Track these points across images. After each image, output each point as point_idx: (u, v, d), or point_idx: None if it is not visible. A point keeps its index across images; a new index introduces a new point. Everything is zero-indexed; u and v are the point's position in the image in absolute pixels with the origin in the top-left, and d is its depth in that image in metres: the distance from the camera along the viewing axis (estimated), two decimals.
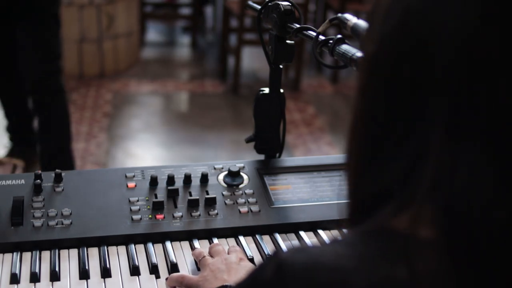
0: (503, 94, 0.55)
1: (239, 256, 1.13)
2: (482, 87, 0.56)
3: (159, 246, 1.21)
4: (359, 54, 1.01)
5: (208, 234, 1.24)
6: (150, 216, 1.25)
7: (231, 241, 1.24)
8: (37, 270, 1.12)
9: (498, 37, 0.55)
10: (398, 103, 0.60)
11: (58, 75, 2.79)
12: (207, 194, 1.31)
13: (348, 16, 1.10)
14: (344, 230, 0.68)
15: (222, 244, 1.20)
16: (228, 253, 1.15)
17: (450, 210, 0.57)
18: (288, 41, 1.35)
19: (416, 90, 0.58)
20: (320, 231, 1.27)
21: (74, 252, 1.18)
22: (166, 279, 1.12)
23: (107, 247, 1.20)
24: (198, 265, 1.14)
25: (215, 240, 1.23)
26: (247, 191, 1.33)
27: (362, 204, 0.65)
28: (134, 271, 1.14)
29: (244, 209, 1.28)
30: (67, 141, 2.88)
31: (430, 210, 0.58)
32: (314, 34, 1.19)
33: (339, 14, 1.13)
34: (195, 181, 1.34)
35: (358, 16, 1.09)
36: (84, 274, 1.13)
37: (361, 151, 0.64)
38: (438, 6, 0.57)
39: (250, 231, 1.26)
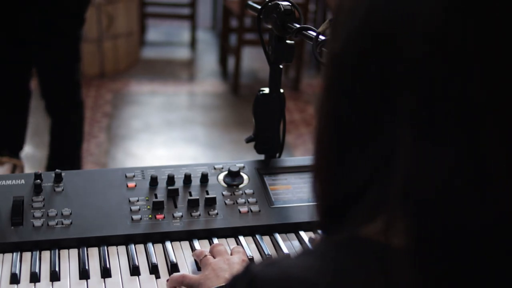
0: (473, 88, 0.53)
1: (242, 257, 1.13)
2: (451, 81, 0.54)
3: (159, 246, 1.21)
4: None
5: (208, 234, 1.24)
6: (150, 216, 1.25)
7: (231, 241, 1.24)
8: (37, 270, 1.12)
9: (464, 29, 0.53)
10: (364, 101, 0.58)
11: (78, 90, 2.80)
12: (207, 194, 1.31)
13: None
14: (317, 237, 0.67)
15: (223, 244, 1.20)
16: (231, 254, 1.15)
17: (422, 215, 0.55)
18: (288, 41, 1.35)
19: (383, 87, 0.56)
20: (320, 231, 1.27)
21: (74, 252, 1.18)
22: (167, 280, 1.12)
23: (107, 247, 1.20)
24: (199, 264, 1.14)
25: (215, 240, 1.23)
26: (247, 191, 1.33)
27: (331, 209, 0.63)
28: (134, 271, 1.14)
29: (244, 209, 1.28)
30: (78, 150, 2.89)
31: (402, 216, 0.55)
32: (314, 34, 1.19)
33: None
34: (195, 181, 1.34)
35: None
36: (84, 274, 1.13)
37: (328, 153, 0.62)
38: (403, 1, 0.55)
39: (250, 231, 1.26)
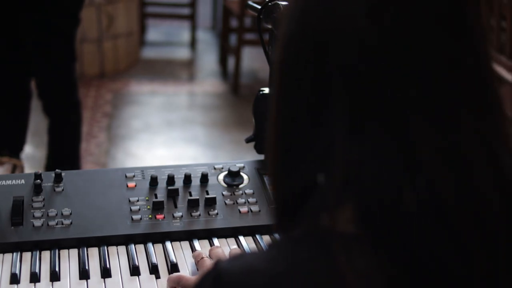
0: (396, 85, 0.59)
1: None
2: (377, 79, 0.59)
3: (159, 246, 1.21)
4: None
5: (208, 234, 1.24)
6: (150, 216, 1.25)
7: (231, 241, 1.24)
8: (37, 270, 1.12)
9: (386, 28, 0.59)
10: (303, 104, 0.63)
11: (75, 89, 2.80)
12: (207, 194, 1.31)
13: None
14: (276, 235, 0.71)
15: (223, 246, 1.20)
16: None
17: (364, 202, 0.60)
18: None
19: (319, 88, 0.62)
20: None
21: (74, 252, 1.18)
22: (168, 280, 1.12)
23: (107, 247, 1.20)
24: (197, 266, 1.14)
25: (215, 240, 1.23)
26: (247, 191, 1.33)
27: (285, 206, 0.68)
28: (134, 271, 1.14)
29: (244, 209, 1.28)
30: (77, 150, 2.89)
31: (348, 205, 0.60)
32: None
33: None
34: (195, 181, 1.34)
35: None
36: (84, 274, 1.13)
37: (275, 154, 0.67)
38: (330, 7, 0.61)
39: (250, 231, 1.26)
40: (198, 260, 1.14)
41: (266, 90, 1.42)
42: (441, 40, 0.60)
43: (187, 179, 1.33)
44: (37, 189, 1.27)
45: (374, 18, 0.59)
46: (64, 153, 2.89)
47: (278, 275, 0.60)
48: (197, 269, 1.14)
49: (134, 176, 1.34)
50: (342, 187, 0.60)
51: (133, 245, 1.20)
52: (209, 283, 0.63)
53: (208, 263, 1.12)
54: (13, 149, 2.92)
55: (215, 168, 1.38)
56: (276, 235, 0.71)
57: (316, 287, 0.60)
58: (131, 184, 1.32)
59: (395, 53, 0.59)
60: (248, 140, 1.46)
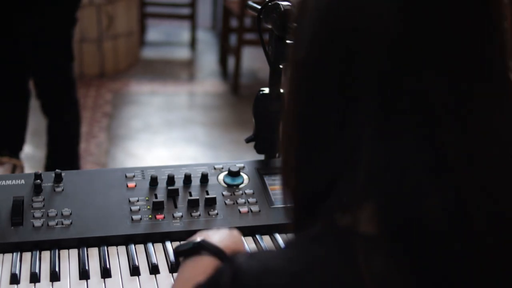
0: (428, 86, 0.58)
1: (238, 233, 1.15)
2: (408, 80, 0.58)
3: (159, 246, 1.21)
4: None
5: None
6: (150, 216, 1.25)
7: None
8: (37, 270, 1.12)
9: (419, 30, 0.58)
10: (328, 103, 0.62)
11: (73, 89, 2.80)
12: (207, 194, 1.31)
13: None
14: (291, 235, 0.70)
15: None
16: None
17: (387, 203, 0.59)
18: (288, 41, 1.35)
19: (345, 90, 0.60)
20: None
21: (74, 252, 1.18)
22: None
23: (107, 247, 1.20)
24: None
25: None
26: (247, 191, 1.33)
27: (303, 206, 0.66)
28: (134, 271, 1.14)
29: (244, 209, 1.28)
30: (75, 149, 2.89)
31: (370, 206, 0.59)
32: None
33: None
34: (195, 181, 1.34)
35: None
36: (84, 274, 1.13)
37: (296, 153, 0.66)
38: (357, 6, 0.59)
39: (250, 231, 1.26)
40: None
41: (266, 90, 1.42)
42: (471, 40, 0.59)
43: (187, 179, 1.33)
44: (37, 189, 1.27)
45: (404, 16, 0.58)
46: (63, 153, 2.89)
47: (296, 274, 0.59)
48: None
49: (134, 176, 1.34)
50: (365, 187, 0.59)
51: (133, 245, 1.20)
52: (227, 279, 0.62)
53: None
54: (13, 149, 2.92)
55: (215, 168, 1.38)
56: (290, 234, 0.70)
57: (335, 287, 0.59)
58: (131, 184, 1.32)
59: (426, 51, 0.58)
60: (248, 140, 1.46)
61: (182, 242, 1.00)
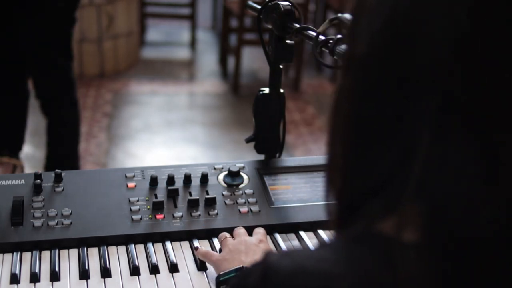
0: (492, 92, 0.55)
1: (259, 238, 1.18)
2: (472, 84, 0.55)
3: (159, 246, 1.21)
4: None
5: (208, 234, 1.24)
6: (150, 216, 1.25)
7: None
8: (37, 270, 1.12)
9: (488, 33, 0.55)
10: (386, 102, 0.59)
11: (72, 89, 2.80)
12: (207, 194, 1.31)
13: (348, 16, 1.10)
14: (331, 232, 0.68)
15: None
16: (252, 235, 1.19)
17: (435, 211, 0.57)
18: (288, 41, 1.35)
19: (406, 89, 0.58)
20: (320, 231, 1.27)
21: (74, 252, 1.18)
22: (196, 248, 1.18)
23: (107, 247, 1.20)
24: (221, 246, 1.18)
25: (215, 240, 1.23)
26: (247, 191, 1.33)
27: (348, 206, 0.65)
28: (134, 271, 1.14)
29: (244, 209, 1.28)
30: (75, 149, 2.89)
31: (416, 212, 0.57)
32: (314, 34, 1.19)
33: (339, 14, 1.13)
34: (195, 181, 1.34)
35: None
36: (84, 274, 1.13)
37: (348, 152, 0.64)
38: (426, 4, 0.57)
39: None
40: (221, 240, 1.18)
41: (266, 90, 1.42)
42: None
43: (187, 179, 1.33)
44: (37, 189, 1.27)
45: (473, 15, 0.55)
46: (63, 153, 2.88)
47: (331, 277, 0.57)
48: (199, 268, 1.16)
49: (134, 176, 1.34)
50: (415, 191, 0.57)
51: (133, 245, 1.20)
52: (257, 276, 0.60)
53: (229, 242, 1.16)
54: (12, 149, 2.92)
55: (215, 168, 1.38)
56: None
57: None
58: (131, 184, 1.32)
59: (492, 52, 0.55)
60: (248, 140, 1.46)
61: (221, 272, 1.09)
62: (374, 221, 0.60)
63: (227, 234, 1.19)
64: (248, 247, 1.13)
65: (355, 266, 0.58)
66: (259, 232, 1.21)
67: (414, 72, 0.57)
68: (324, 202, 0.68)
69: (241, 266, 1.08)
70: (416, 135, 0.57)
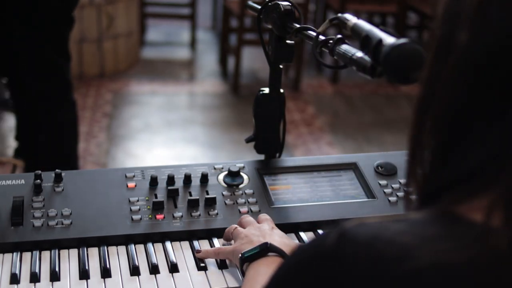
0: None
1: (270, 225, 1.18)
2: None
3: (159, 246, 1.21)
4: (359, 54, 1.01)
5: (208, 234, 1.24)
6: (150, 216, 1.25)
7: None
8: (37, 270, 1.12)
9: None
10: (484, 96, 0.59)
11: (70, 89, 2.79)
12: (207, 194, 1.31)
13: (348, 16, 1.09)
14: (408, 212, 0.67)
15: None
16: (259, 223, 1.19)
17: None
18: (288, 41, 1.35)
19: (506, 87, 0.57)
20: (320, 232, 1.27)
21: (74, 252, 1.18)
22: (198, 252, 1.18)
23: (107, 247, 1.20)
24: (231, 238, 1.18)
25: (215, 240, 1.23)
26: (247, 191, 1.33)
27: (433, 192, 0.64)
28: (134, 271, 1.14)
29: (244, 209, 1.28)
30: (75, 149, 2.89)
31: (504, 198, 0.57)
32: (314, 34, 1.19)
33: (339, 14, 1.13)
34: (195, 181, 1.34)
35: (358, 16, 1.09)
36: (84, 274, 1.13)
37: (439, 140, 0.63)
38: None
39: None
40: (231, 232, 1.18)
41: (266, 90, 1.42)
42: None
43: (187, 179, 1.33)
44: (37, 189, 1.27)
45: None
46: (62, 153, 2.88)
47: (410, 248, 0.57)
48: (199, 268, 1.15)
49: (134, 176, 1.34)
50: (507, 178, 0.57)
51: (133, 245, 1.20)
52: (334, 238, 0.60)
53: (242, 230, 1.16)
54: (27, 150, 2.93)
55: (215, 168, 1.38)
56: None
57: (445, 266, 0.57)
58: (131, 184, 1.32)
59: None
60: (248, 140, 1.46)
61: (245, 250, 1.09)
62: (454, 204, 0.60)
63: (235, 225, 1.19)
64: (263, 231, 1.13)
65: (432, 241, 0.58)
66: (267, 218, 1.21)
67: (508, 60, 0.57)
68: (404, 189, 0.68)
69: (265, 242, 1.08)
70: (509, 128, 0.57)
